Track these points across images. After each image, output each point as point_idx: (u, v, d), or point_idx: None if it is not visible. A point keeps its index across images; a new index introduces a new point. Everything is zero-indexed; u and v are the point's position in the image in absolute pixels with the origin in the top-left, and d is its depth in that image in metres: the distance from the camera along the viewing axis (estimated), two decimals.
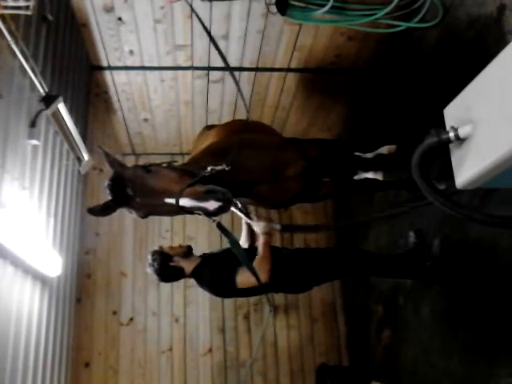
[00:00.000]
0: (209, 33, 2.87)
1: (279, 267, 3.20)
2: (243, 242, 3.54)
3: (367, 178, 3.73)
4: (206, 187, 2.22)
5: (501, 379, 2.78)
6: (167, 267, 3.19)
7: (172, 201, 2.23)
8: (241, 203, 3.32)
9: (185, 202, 2.21)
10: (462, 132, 1.74)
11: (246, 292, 3.24)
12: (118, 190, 2.31)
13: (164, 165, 2.44)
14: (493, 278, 2.90)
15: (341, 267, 3.49)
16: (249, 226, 3.52)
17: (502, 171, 1.65)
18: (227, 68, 3.09)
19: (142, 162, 5.43)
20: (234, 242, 2.67)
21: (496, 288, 2.86)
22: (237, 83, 3.00)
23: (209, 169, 2.37)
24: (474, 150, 1.72)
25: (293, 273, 3.32)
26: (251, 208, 3.37)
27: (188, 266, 3.21)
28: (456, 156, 1.82)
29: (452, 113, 1.88)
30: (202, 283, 3.28)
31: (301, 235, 5.66)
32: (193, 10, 2.99)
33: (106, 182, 2.35)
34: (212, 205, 2.19)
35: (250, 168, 2.80)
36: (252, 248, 3.48)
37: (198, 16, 2.88)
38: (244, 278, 3.02)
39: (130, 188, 2.29)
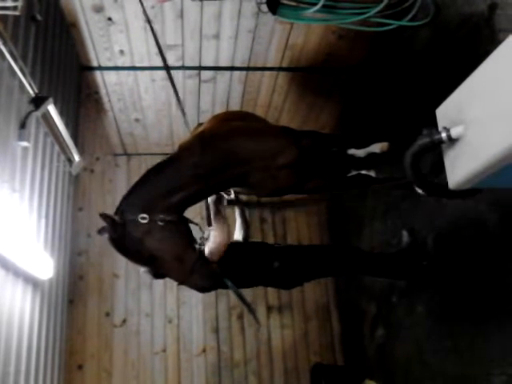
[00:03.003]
0: (151, 28, 3.01)
1: (269, 261, 3.27)
2: (237, 235, 3.55)
3: (359, 174, 3.73)
4: (202, 284, 2.64)
5: (494, 377, 2.79)
6: None
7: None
8: (233, 192, 3.36)
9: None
10: (454, 132, 1.74)
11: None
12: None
13: (161, 223, 2.53)
14: (487, 276, 2.91)
15: (333, 264, 3.51)
16: (243, 218, 3.57)
17: (495, 171, 1.66)
18: (165, 67, 3.11)
19: (133, 162, 5.53)
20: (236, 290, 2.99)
21: (490, 285, 2.87)
22: (173, 83, 3.03)
23: (200, 239, 2.69)
24: (466, 150, 1.72)
25: (283, 267, 3.34)
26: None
27: None
28: (448, 156, 1.82)
29: (444, 113, 1.88)
30: None
31: (294, 233, 5.68)
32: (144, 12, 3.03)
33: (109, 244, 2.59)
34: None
35: (243, 158, 2.81)
36: (246, 243, 3.49)
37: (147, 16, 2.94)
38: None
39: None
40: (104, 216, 2.47)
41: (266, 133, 3.06)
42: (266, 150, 2.89)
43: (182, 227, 2.62)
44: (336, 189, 3.74)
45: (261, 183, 2.95)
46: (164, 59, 3.01)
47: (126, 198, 2.60)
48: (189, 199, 2.67)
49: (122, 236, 2.49)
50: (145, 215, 2.49)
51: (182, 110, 3.18)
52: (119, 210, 2.56)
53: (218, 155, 2.76)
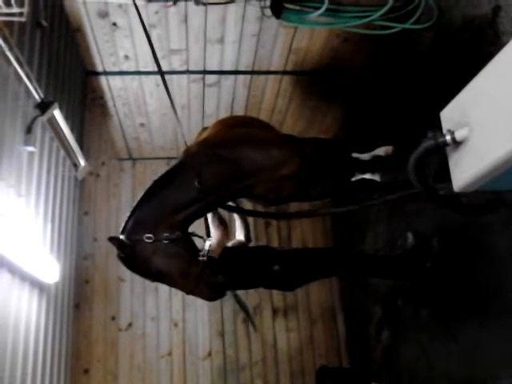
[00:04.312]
0: (147, 34, 2.99)
1: (269, 265, 3.28)
2: (239, 234, 3.55)
3: (364, 179, 3.72)
4: (208, 295, 2.69)
5: (501, 380, 2.77)
6: None
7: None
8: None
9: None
10: (458, 135, 1.74)
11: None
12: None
13: (166, 241, 2.58)
14: (491, 278, 2.90)
15: (334, 267, 3.51)
16: (243, 221, 3.56)
17: (500, 174, 1.66)
18: (159, 72, 3.12)
19: (139, 167, 5.55)
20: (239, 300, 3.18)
21: (495, 287, 2.86)
22: (167, 89, 3.04)
23: (203, 251, 2.71)
24: (470, 152, 1.72)
25: (283, 271, 3.34)
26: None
27: None
28: (453, 159, 1.83)
29: (448, 116, 1.88)
30: None
31: (299, 237, 5.69)
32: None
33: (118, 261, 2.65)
34: None
35: (247, 171, 2.80)
36: (245, 248, 3.48)
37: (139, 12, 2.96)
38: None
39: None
40: (111, 239, 2.53)
41: (270, 143, 3.01)
42: (270, 162, 2.88)
43: (186, 243, 2.67)
44: (340, 194, 3.73)
45: (264, 194, 2.95)
46: (158, 65, 3.02)
47: (131, 216, 2.62)
48: (193, 216, 2.72)
49: (131, 255, 2.56)
50: (150, 235, 2.54)
51: (177, 118, 3.19)
52: (125, 229, 2.59)
53: (223, 167, 2.76)
